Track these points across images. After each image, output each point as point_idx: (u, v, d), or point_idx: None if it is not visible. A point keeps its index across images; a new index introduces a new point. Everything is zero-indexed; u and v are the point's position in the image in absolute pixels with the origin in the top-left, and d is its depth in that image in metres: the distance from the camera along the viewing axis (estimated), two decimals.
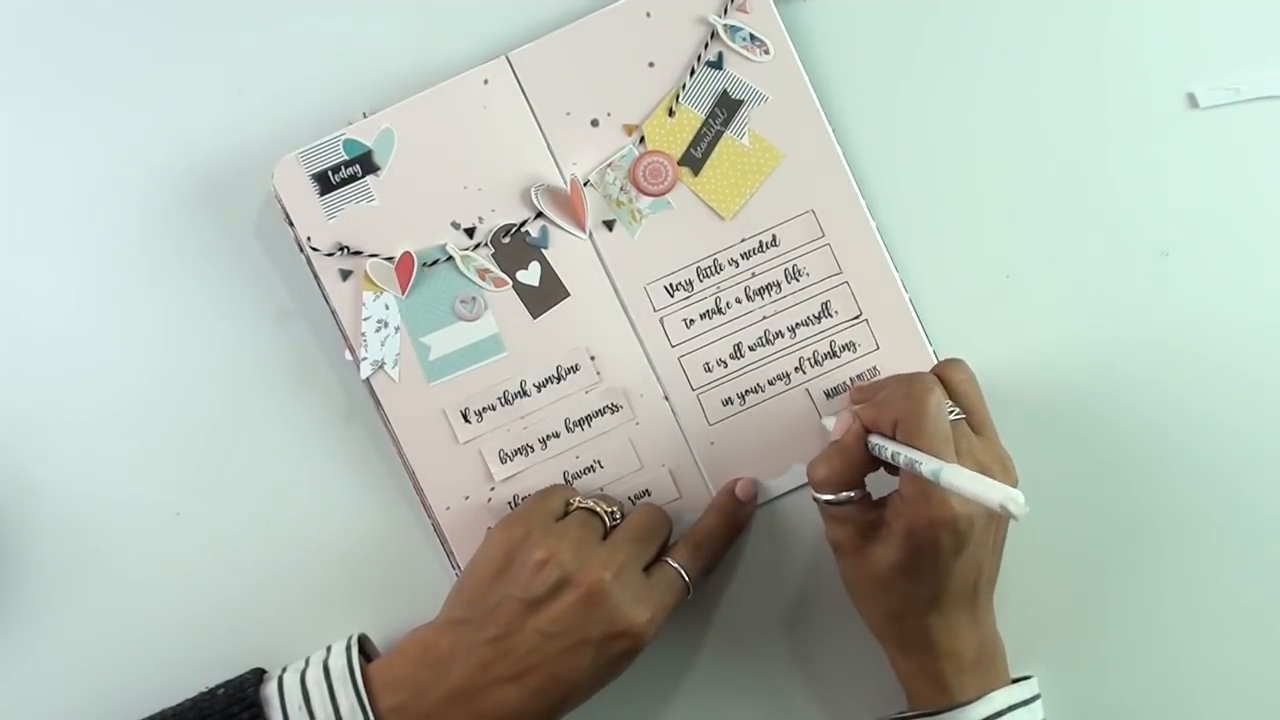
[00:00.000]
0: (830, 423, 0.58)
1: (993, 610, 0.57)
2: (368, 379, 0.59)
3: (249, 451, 0.61)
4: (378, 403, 0.60)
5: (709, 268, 0.61)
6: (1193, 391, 0.62)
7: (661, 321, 0.61)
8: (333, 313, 0.59)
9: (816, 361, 0.61)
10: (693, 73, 0.60)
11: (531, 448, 0.60)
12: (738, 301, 0.61)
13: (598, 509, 0.57)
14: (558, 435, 0.60)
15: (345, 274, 0.59)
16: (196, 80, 0.61)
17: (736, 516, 0.60)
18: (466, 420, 0.60)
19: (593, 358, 0.60)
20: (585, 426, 0.60)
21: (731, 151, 0.60)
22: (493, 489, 0.60)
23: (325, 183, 0.59)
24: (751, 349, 0.61)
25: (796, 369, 0.61)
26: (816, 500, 0.56)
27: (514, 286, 0.60)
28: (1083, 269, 0.62)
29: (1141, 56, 0.62)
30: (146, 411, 0.61)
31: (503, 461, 0.60)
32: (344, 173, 0.59)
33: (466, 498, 0.60)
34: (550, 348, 0.60)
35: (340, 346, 0.60)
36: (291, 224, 0.59)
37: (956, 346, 0.61)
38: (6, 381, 0.60)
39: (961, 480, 0.48)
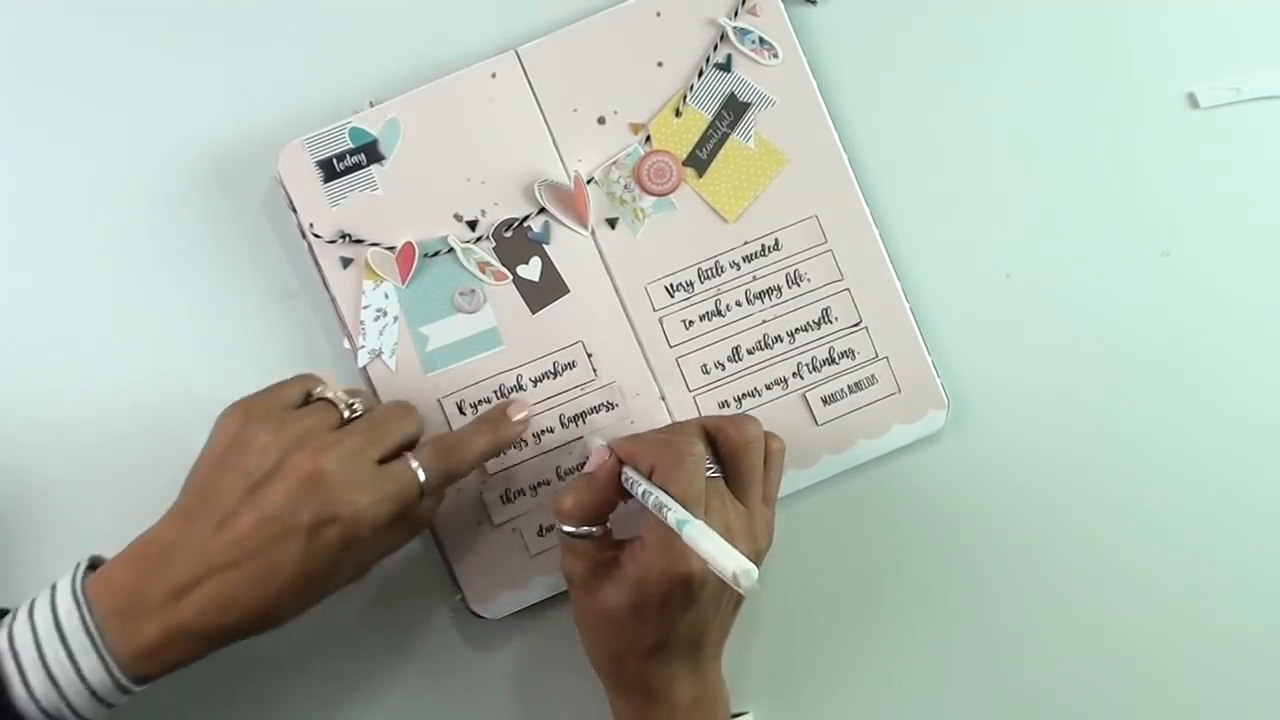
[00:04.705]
0: (595, 442, 0.58)
1: (719, 664, 0.57)
2: (364, 367, 0.59)
3: None
4: (374, 391, 0.60)
5: (710, 269, 0.61)
6: (1192, 391, 0.62)
7: (661, 321, 0.61)
8: (332, 300, 0.60)
9: (814, 367, 0.61)
10: (701, 74, 0.60)
11: (525, 442, 0.60)
12: (738, 304, 0.61)
13: (337, 401, 0.54)
14: (552, 431, 0.60)
15: (346, 262, 0.59)
16: (206, 66, 0.61)
17: (501, 434, 0.58)
18: (461, 412, 0.60)
19: (590, 355, 0.60)
20: (580, 423, 0.60)
21: (737, 154, 0.60)
22: (484, 482, 0.60)
23: (330, 170, 0.59)
24: (750, 352, 0.61)
25: (794, 374, 0.61)
26: (557, 529, 0.55)
27: (514, 281, 0.60)
28: (1083, 269, 0.62)
29: (1141, 56, 0.62)
30: (148, 407, 0.61)
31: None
32: (349, 161, 0.59)
33: (459, 491, 0.60)
34: (548, 343, 0.60)
35: (339, 334, 0.60)
36: (294, 210, 0.59)
37: (957, 347, 0.61)
38: (8, 379, 0.61)
39: (702, 539, 0.48)
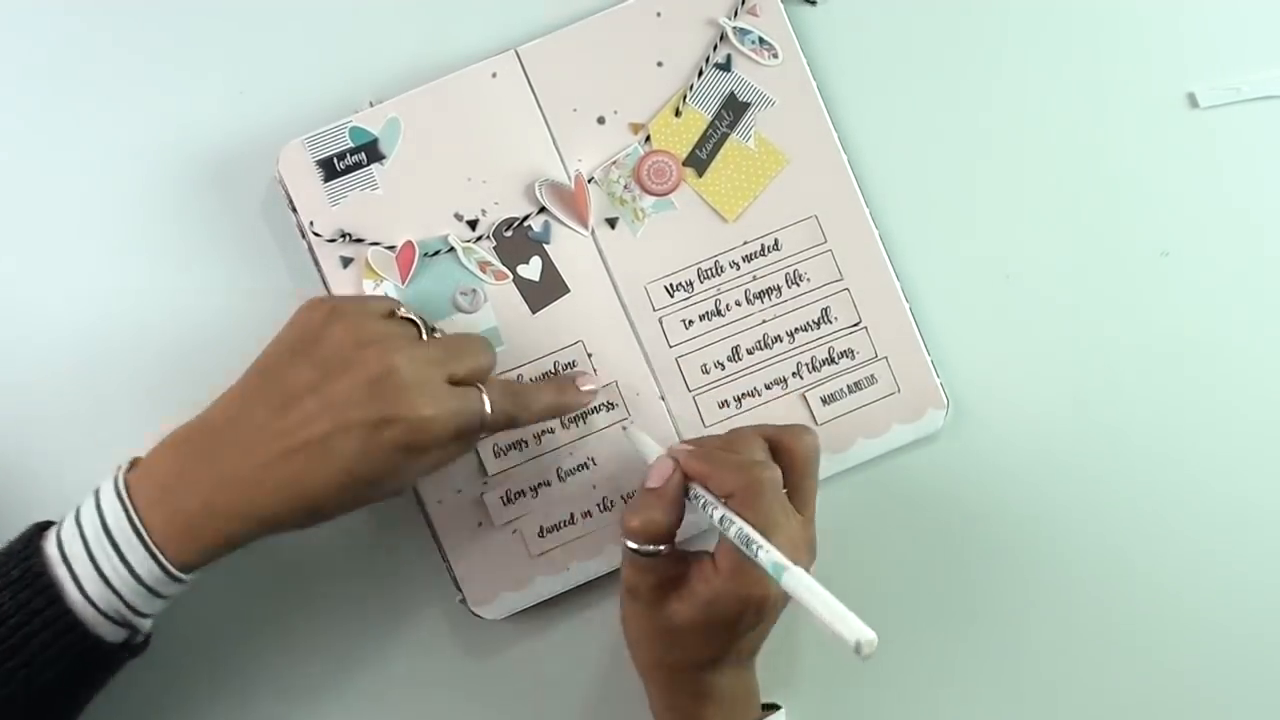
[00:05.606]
0: (646, 444, 0.57)
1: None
2: None
3: None
4: None
5: (710, 269, 0.61)
6: (1192, 391, 0.62)
7: (660, 321, 0.61)
8: None
9: (814, 367, 0.61)
10: (701, 74, 0.60)
11: (525, 443, 0.60)
12: (737, 304, 0.61)
13: (419, 321, 0.54)
14: (552, 431, 0.60)
15: (346, 261, 0.59)
16: (206, 66, 0.61)
17: (566, 398, 0.58)
18: None
19: (590, 355, 0.60)
20: (580, 423, 0.60)
21: (736, 154, 0.60)
22: (485, 483, 0.60)
23: (330, 169, 0.59)
24: (750, 352, 0.61)
25: (794, 374, 0.61)
26: (623, 544, 0.54)
27: (514, 280, 0.60)
28: (1082, 269, 0.62)
29: (1141, 56, 0.62)
30: (149, 406, 0.60)
31: (496, 456, 0.60)
32: (349, 160, 0.59)
33: (459, 491, 0.60)
34: (548, 343, 0.60)
35: None
36: (294, 209, 0.59)
37: (956, 347, 0.61)
38: (7, 380, 0.60)
39: (810, 596, 0.45)
